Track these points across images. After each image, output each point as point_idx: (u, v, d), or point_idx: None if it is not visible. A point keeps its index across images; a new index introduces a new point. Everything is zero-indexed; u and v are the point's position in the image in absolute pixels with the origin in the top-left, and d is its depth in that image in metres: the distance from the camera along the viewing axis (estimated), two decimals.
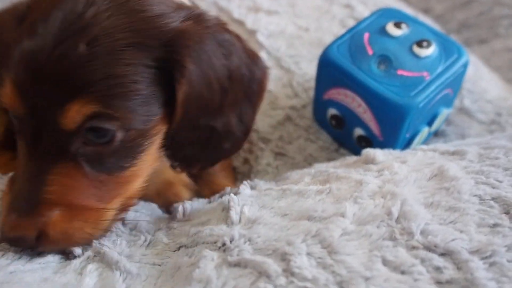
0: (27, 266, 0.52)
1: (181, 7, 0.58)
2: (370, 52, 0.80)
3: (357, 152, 0.83)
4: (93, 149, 0.53)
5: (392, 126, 0.77)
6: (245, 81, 0.61)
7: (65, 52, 0.49)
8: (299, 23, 1.14)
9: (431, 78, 0.76)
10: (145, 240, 0.58)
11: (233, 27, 1.14)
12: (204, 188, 0.79)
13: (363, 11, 1.17)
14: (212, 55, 0.56)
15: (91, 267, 0.52)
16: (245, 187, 0.66)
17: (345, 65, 0.80)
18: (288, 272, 0.46)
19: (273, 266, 0.46)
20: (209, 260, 0.49)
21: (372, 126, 0.80)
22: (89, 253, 0.54)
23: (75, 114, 0.50)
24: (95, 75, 0.50)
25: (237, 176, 0.89)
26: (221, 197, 0.66)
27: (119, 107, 0.51)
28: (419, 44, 0.78)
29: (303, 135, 0.92)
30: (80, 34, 0.50)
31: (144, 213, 0.65)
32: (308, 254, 0.47)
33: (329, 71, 0.83)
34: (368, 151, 0.70)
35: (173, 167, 0.63)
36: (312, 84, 0.99)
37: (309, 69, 1.02)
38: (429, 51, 0.78)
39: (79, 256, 0.54)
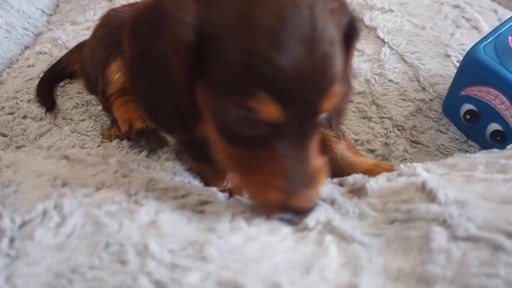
0: (271, 238, 0.61)
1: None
2: None
3: (485, 145, 0.92)
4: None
5: None
6: None
7: (321, 57, 0.58)
8: (414, 21, 1.22)
9: None
10: (353, 212, 0.67)
11: None
12: (347, 169, 0.90)
13: (471, 12, 1.24)
14: None
15: (328, 238, 0.61)
16: (421, 170, 0.75)
17: (493, 65, 0.88)
18: None
19: (506, 241, 0.55)
20: (440, 234, 0.58)
21: None
22: (319, 227, 0.63)
23: (332, 97, 0.61)
24: (338, 66, 0.60)
25: (377, 159, 0.97)
26: (399, 176, 0.75)
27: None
28: None
29: (434, 126, 1.01)
30: (322, 40, 0.58)
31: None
32: None
33: (475, 70, 0.91)
34: None
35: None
36: (436, 80, 1.08)
37: (432, 66, 1.11)
38: None
39: (310, 229, 0.63)
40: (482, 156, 0.80)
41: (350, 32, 0.66)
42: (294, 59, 0.56)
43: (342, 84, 0.63)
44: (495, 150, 0.85)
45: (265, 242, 0.60)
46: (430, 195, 0.66)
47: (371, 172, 0.89)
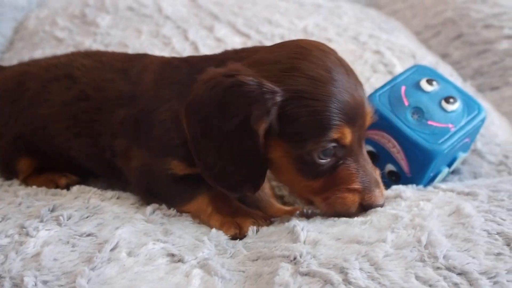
0: (145, 267, 0.70)
1: None
2: (406, 103, 0.98)
3: (384, 183, 1.00)
4: None
5: (420, 166, 0.95)
6: None
7: (364, 97, 0.80)
8: None
9: (455, 129, 0.94)
10: (230, 253, 0.76)
11: None
12: (268, 210, 0.97)
13: (389, 57, 1.34)
14: None
15: (195, 271, 0.69)
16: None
17: (385, 113, 0.97)
18: (347, 281, 0.63)
19: (336, 276, 0.64)
20: (285, 270, 0.66)
21: (403, 164, 0.97)
22: (193, 261, 0.72)
23: (370, 115, 0.82)
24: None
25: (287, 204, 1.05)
26: (282, 221, 0.83)
27: None
28: (447, 100, 0.96)
29: None
30: (356, 78, 0.81)
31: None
32: (360, 269, 0.64)
33: None
34: (398, 188, 0.88)
35: None
36: None
37: None
38: (455, 107, 0.96)
39: (184, 262, 0.71)
40: None
41: None
42: (352, 95, 0.77)
43: None
44: None
45: (138, 272, 0.69)
46: (294, 236, 0.75)
47: None
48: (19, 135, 1.03)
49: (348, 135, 0.76)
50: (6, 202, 0.81)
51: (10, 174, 1.07)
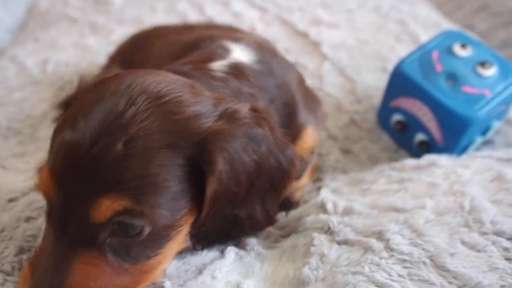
0: None
1: (219, 101, 0.60)
2: (439, 68, 0.93)
3: (414, 153, 0.97)
4: (120, 240, 0.54)
5: (454, 134, 0.90)
6: (271, 171, 0.62)
7: (103, 150, 0.51)
8: (358, 36, 1.28)
9: (491, 95, 0.89)
10: (262, 236, 0.73)
11: (296, 38, 1.30)
12: None
13: (415, 28, 1.30)
14: (242, 152, 0.57)
15: (229, 248, 0.67)
16: (327, 190, 0.81)
17: (417, 79, 0.93)
18: (388, 248, 0.60)
19: (376, 244, 0.61)
20: (321, 240, 0.64)
21: (435, 133, 0.93)
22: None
23: (105, 209, 0.51)
24: (128, 174, 0.52)
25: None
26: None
27: (149, 204, 0.52)
28: (483, 64, 0.91)
29: (366, 136, 1.05)
30: (119, 133, 0.52)
31: None
32: (401, 235, 0.62)
33: (401, 82, 0.95)
34: (431, 157, 0.84)
35: (195, 247, 0.66)
36: (372, 92, 1.13)
37: (369, 79, 1.16)
38: (491, 72, 0.91)
39: None
40: (388, 168, 0.85)
41: (202, 159, 0.56)
42: (76, 139, 0.53)
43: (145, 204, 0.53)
44: (409, 161, 0.89)
45: None
46: (321, 208, 0.72)
47: None
48: None
49: (45, 183, 0.55)
50: (30, 174, 0.79)
51: None
